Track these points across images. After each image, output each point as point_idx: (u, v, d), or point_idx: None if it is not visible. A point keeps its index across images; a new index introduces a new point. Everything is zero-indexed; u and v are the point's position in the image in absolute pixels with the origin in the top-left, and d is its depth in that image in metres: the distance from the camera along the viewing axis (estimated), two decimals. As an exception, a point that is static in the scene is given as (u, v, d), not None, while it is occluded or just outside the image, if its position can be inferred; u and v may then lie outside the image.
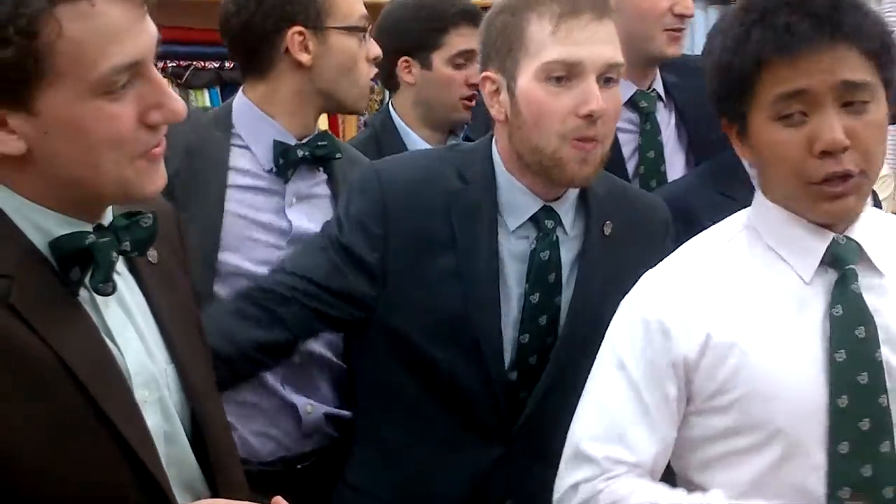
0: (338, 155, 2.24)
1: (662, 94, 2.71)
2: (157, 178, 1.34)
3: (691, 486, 1.68)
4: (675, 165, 2.69)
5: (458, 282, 1.95)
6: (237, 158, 2.21)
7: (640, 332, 1.68)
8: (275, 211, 2.21)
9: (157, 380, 1.38)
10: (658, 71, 2.71)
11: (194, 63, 3.64)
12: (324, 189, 2.26)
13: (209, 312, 1.86)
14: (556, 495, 1.70)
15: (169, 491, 1.32)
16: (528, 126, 1.91)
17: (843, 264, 1.65)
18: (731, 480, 1.64)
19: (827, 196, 1.61)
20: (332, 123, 3.59)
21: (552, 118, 1.88)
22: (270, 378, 2.19)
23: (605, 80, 1.90)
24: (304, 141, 2.21)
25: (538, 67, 1.88)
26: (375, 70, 2.29)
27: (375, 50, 2.25)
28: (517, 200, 1.97)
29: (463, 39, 2.74)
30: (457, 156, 2.05)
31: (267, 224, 2.19)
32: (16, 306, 1.24)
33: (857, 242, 1.66)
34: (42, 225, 1.30)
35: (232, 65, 3.35)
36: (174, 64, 3.58)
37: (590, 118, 1.87)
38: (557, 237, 1.98)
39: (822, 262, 1.65)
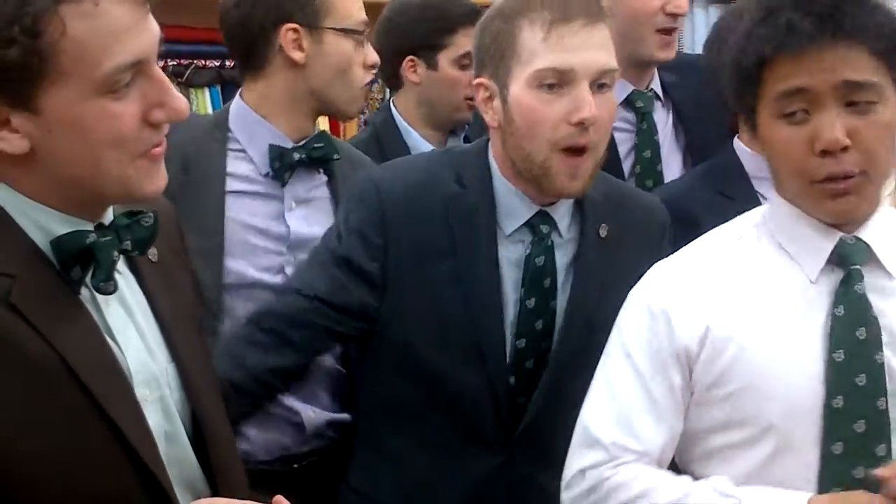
0: (336, 156, 2.23)
1: (660, 93, 2.71)
2: (158, 179, 1.34)
3: (693, 479, 1.68)
4: (672, 165, 2.69)
5: (459, 287, 1.95)
6: (234, 164, 2.20)
7: (646, 321, 1.69)
8: (274, 216, 2.20)
9: (157, 379, 1.38)
10: (656, 70, 2.71)
11: (195, 62, 3.63)
12: (324, 192, 2.26)
13: (221, 342, 1.90)
14: (564, 480, 1.71)
15: (171, 490, 1.32)
16: (521, 133, 1.90)
17: (849, 265, 1.64)
18: (727, 474, 1.64)
19: (829, 194, 1.60)
20: (333, 122, 3.58)
21: (544, 126, 1.88)
22: None
23: (599, 85, 1.89)
24: (301, 143, 2.21)
25: (530, 75, 1.88)
26: (371, 77, 2.28)
27: (373, 57, 2.24)
28: (513, 205, 1.97)
29: (469, 40, 2.73)
30: (453, 159, 2.04)
31: (265, 230, 2.19)
32: (17, 305, 1.24)
33: (866, 243, 1.65)
34: (43, 224, 1.30)
35: (233, 64, 3.35)
36: (175, 62, 3.57)
37: (582, 126, 1.86)
38: (552, 242, 1.98)
39: (830, 262, 1.65)
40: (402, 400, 2.01)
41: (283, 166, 2.19)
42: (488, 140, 2.02)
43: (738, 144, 2.42)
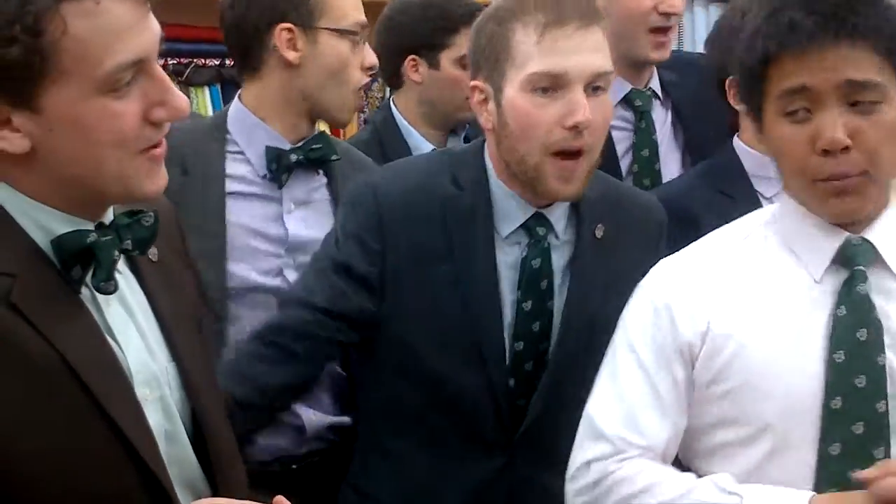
0: (335, 157, 2.22)
1: (659, 92, 2.71)
2: (158, 179, 1.34)
3: (696, 475, 1.68)
4: (671, 164, 2.69)
5: (457, 289, 1.94)
6: (233, 166, 2.20)
7: (650, 315, 1.69)
8: (272, 218, 2.20)
9: (157, 378, 1.38)
10: (655, 69, 2.71)
11: (195, 60, 3.64)
12: (324, 193, 2.26)
13: (227, 360, 1.91)
14: (569, 472, 1.71)
15: (171, 490, 1.32)
16: (515, 136, 1.90)
17: (853, 265, 1.64)
18: (729, 472, 1.64)
19: (831, 192, 1.60)
20: (334, 121, 3.59)
21: (538, 129, 1.87)
22: None
23: (593, 88, 1.88)
24: (299, 144, 2.20)
25: (524, 78, 1.87)
26: (367, 79, 2.28)
27: (371, 58, 2.24)
28: (509, 207, 1.97)
29: None
30: (450, 160, 2.04)
31: (264, 232, 2.19)
32: (17, 305, 1.24)
33: (872, 244, 1.64)
34: (44, 223, 1.30)
35: (233, 62, 3.36)
36: (175, 61, 3.57)
37: (576, 129, 1.86)
38: (549, 244, 1.97)
39: (835, 262, 1.64)
40: (402, 401, 2.01)
41: (280, 168, 2.19)
42: (484, 141, 2.01)
43: (738, 143, 2.42)
